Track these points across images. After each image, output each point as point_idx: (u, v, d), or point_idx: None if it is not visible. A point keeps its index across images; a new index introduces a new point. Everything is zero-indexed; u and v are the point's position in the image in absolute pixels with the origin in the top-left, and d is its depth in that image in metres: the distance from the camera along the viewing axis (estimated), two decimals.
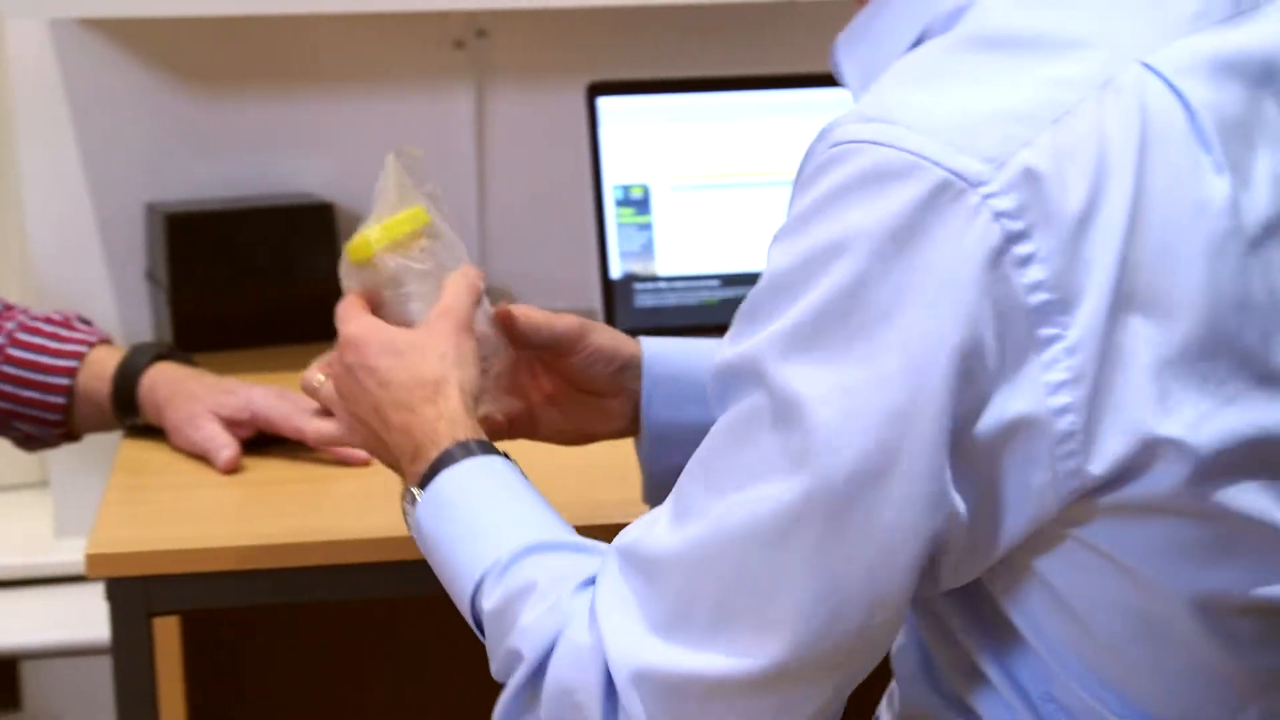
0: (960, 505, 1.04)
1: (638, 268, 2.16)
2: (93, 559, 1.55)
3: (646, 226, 2.17)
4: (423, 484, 1.25)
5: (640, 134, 2.20)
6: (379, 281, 1.37)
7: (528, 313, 1.41)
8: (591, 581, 1.13)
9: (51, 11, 2.11)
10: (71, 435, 1.82)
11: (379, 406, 1.29)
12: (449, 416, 1.26)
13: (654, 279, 2.16)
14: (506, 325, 1.40)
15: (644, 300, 2.16)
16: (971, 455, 1.03)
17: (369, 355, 1.30)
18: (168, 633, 1.55)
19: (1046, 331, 1.02)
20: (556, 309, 1.48)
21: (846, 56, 1.17)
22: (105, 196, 2.32)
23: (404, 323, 1.35)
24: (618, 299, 2.15)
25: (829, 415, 1.02)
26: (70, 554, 2.27)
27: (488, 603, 1.17)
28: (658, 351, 1.45)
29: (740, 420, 1.07)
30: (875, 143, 1.03)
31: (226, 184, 2.33)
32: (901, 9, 1.13)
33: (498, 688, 1.17)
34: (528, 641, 1.13)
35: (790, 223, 1.07)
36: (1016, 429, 1.03)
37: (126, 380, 1.76)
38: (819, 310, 1.03)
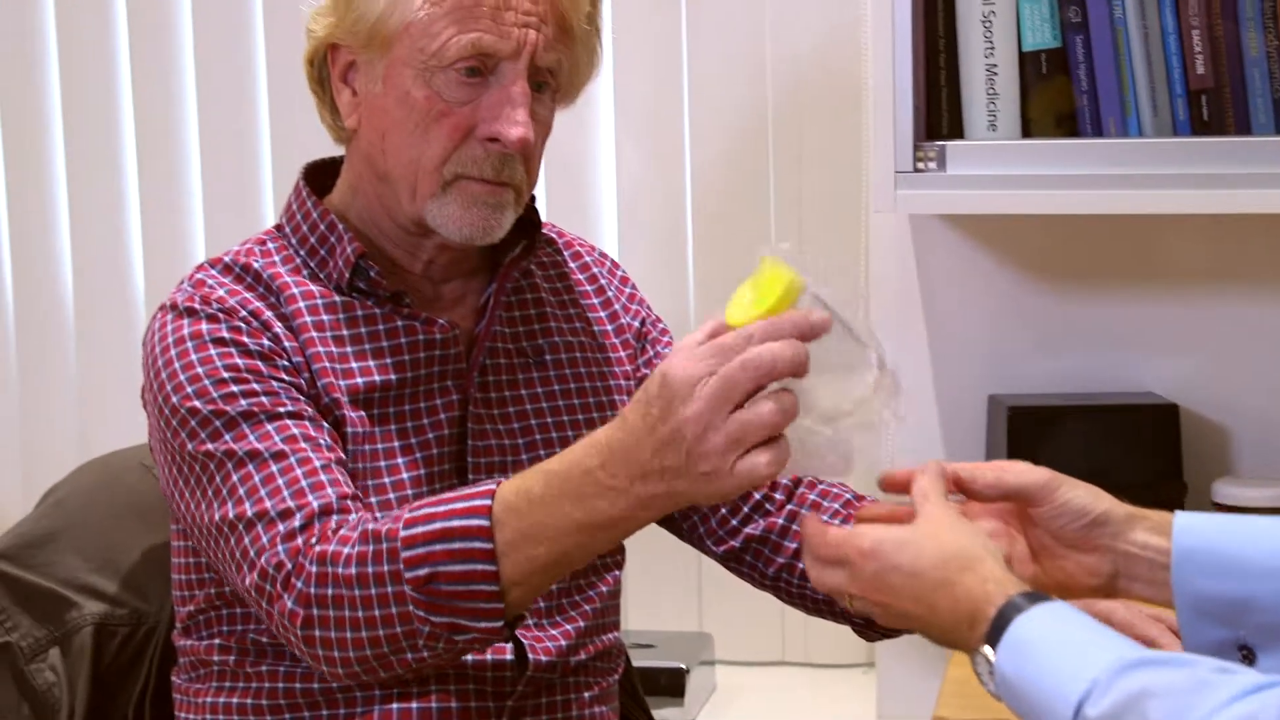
0: None
1: None
2: None
3: None
4: (991, 641, 1.26)
5: None
6: None
7: (975, 470, 1.47)
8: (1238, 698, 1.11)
9: (914, 208, 2.18)
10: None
11: (918, 595, 1.32)
12: (994, 578, 1.30)
13: None
14: (961, 487, 1.46)
15: None
16: None
17: (887, 556, 1.34)
18: None
19: None
20: None
21: None
22: (948, 385, 2.37)
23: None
24: None
25: None
26: None
27: (1094, 710, 1.17)
28: (1190, 524, 1.43)
29: None
30: None
31: (1068, 379, 2.33)
32: None
33: None
34: None
35: None
36: None
37: None
38: None
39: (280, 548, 1.50)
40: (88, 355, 2.80)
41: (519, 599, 1.47)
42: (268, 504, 1.52)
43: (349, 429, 1.62)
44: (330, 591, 1.47)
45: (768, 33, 2.51)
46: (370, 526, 1.48)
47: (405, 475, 1.64)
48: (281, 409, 1.58)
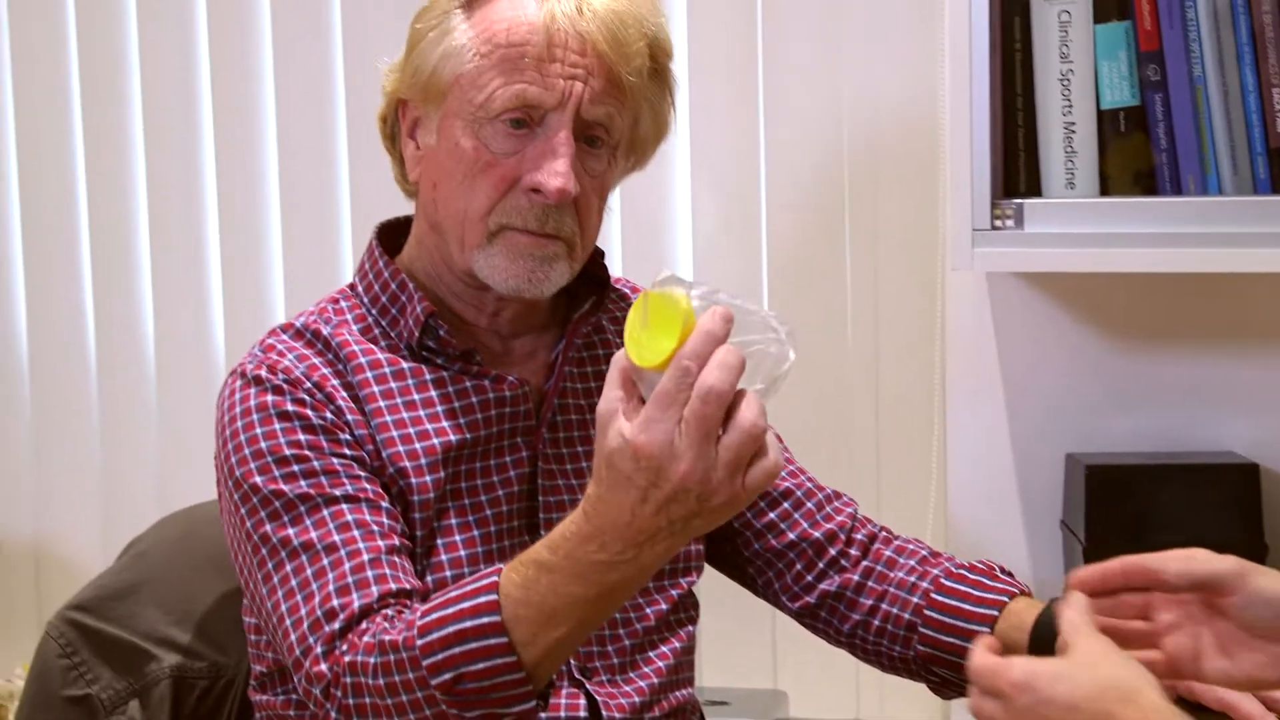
0: None
1: None
2: None
3: None
4: None
5: None
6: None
7: (1163, 559, 1.45)
8: None
9: (992, 266, 2.17)
10: None
11: None
12: (1154, 708, 1.25)
13: None
14: (1148, 577, 1.45)
15: None
16: None
17: (1041, 689, 1.29)
18: None
19: None
20: None
21: None
22: (1025, 443, 2.36)
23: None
24: None
25: None
26: None
27: None
28: None
29: None
30: None
31: (1146, 438, 2.31)
32: None
33: None
34: None
35: None
36: None
37: (1044, 634, 1.75)
38: None
39: (320, 650, 1.51)
40: (168, 410, 2.83)
41: (547, 673, 1.47)
42: (315, 600, 1.53)
43: (416, 496, 1.64)
44: (367, 701, 1.48)
45: (844, 88, 2.51)
46: (386, 638, 1.48)
47: (476, 533, 1.65)
48: (339, 490, 1.59)
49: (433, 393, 1.68)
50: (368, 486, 1.61)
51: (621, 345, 1.79)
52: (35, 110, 2.85)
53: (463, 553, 1.64)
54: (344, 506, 1.58)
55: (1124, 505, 2.20)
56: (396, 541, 1.59)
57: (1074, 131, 2.08)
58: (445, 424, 1.66)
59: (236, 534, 1.63)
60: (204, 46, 2.76)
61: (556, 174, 1.62)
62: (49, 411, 2.89)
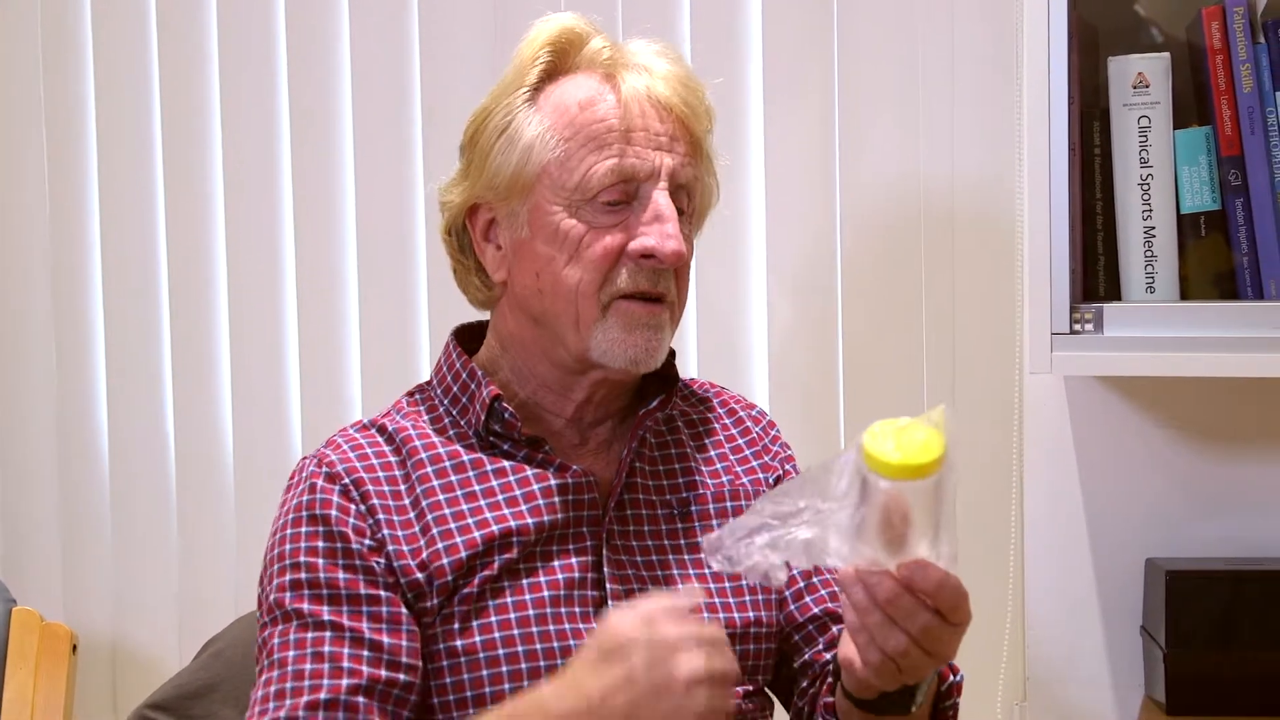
0: None
1: None
2: None
3: None
4: None
5: None
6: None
7: None
8: None
9: (1071, 370, 2.16)
10: None
11: None
12: None
13: None
14: None
15: None
16: None
17: None
18: None
19: None
20: None
21: None
22: (1105, 548, 2.34)
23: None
24: None
25: None
26: None
27: None
28: None
29: None
30: None
31: (1227, 544, 2.29)
32: None
33: None
34: None
35: None
36: None
37: None
38: None
39: None
40: (245, 511, 2.84)
41: None
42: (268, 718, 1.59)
43: (465, 576, 1.65)
44: None
45: (920, 188, 2.52)
46: None
47: (531, 613, 1.66)
48: (327, 614, 1.62)
49: (494, 482, 1.70)
50: (365, 608, 1.63)
51: (697, 446, 1.80)
52: (119, 208, 2.89)
53: (515, 631, 1.65)
54: (326, 635, 1.61)
55: (1205, 611, 2.17)
56: (364, 679, 1.61)
57: (1154, 235, 2.07)
58: (506, 511, 1.68)
59: (258, 619, 1.69)
60: (286, 144, 2.80)
61: (669, 236, 1.66)
62: (127, 511, 2.91)
